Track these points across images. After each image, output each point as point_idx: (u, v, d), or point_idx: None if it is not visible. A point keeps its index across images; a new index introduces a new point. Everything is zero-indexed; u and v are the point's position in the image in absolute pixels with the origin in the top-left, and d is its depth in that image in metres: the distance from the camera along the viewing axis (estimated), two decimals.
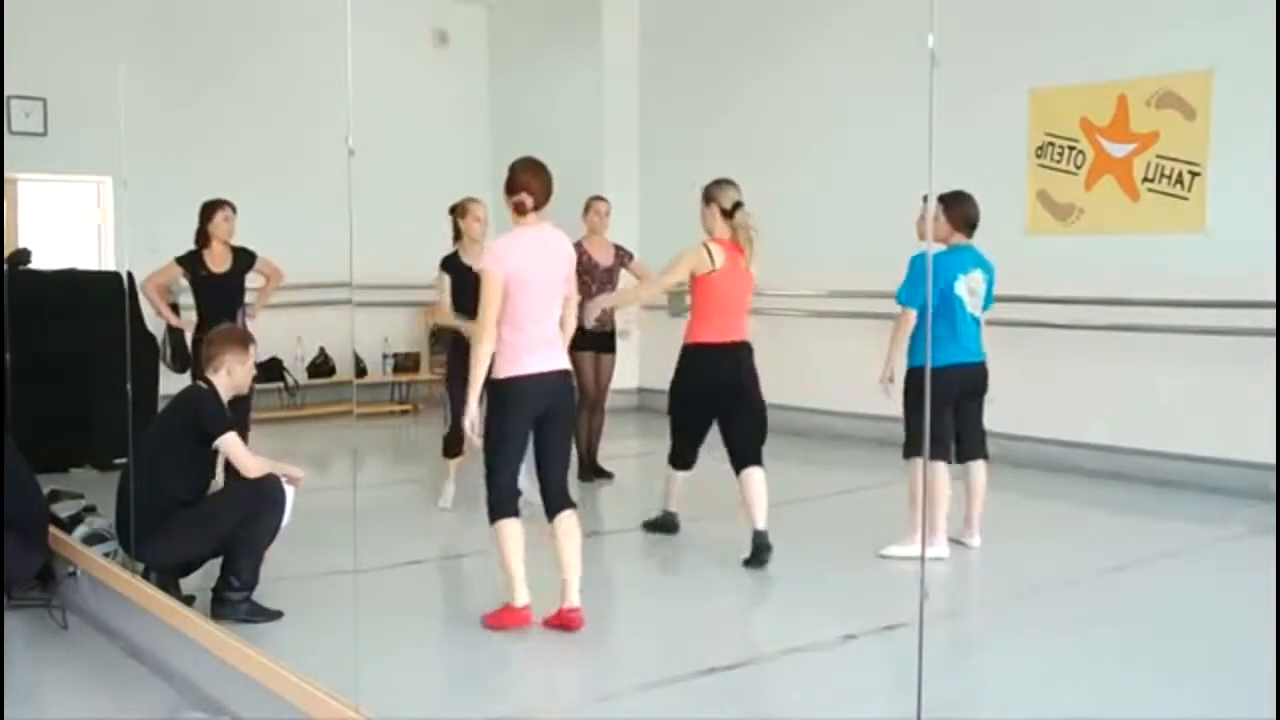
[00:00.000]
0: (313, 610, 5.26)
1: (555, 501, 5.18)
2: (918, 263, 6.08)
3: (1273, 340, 7.34)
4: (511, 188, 5.15)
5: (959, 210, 6.27)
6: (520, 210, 5.12)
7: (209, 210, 7.58)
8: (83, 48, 9.94)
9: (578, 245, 7.98)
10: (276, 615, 5.18)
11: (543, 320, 5.09)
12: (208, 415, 5.26)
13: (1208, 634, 5.17)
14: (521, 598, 5.09)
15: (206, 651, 4.28)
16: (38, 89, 10.38)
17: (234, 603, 5.09)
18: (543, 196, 5.13)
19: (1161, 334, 8.02)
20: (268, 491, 5.18)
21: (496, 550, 5.11)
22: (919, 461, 6.05)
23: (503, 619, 5.10)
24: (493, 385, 5.10)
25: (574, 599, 5.09)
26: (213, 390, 5.35)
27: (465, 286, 6.49)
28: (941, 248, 6.31)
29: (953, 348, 6.19)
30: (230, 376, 5.41)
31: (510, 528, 5.09)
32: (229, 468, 5.41)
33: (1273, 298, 7.38)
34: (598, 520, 7.66)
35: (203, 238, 7.57)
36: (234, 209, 7.62)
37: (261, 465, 5.25)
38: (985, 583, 6.21)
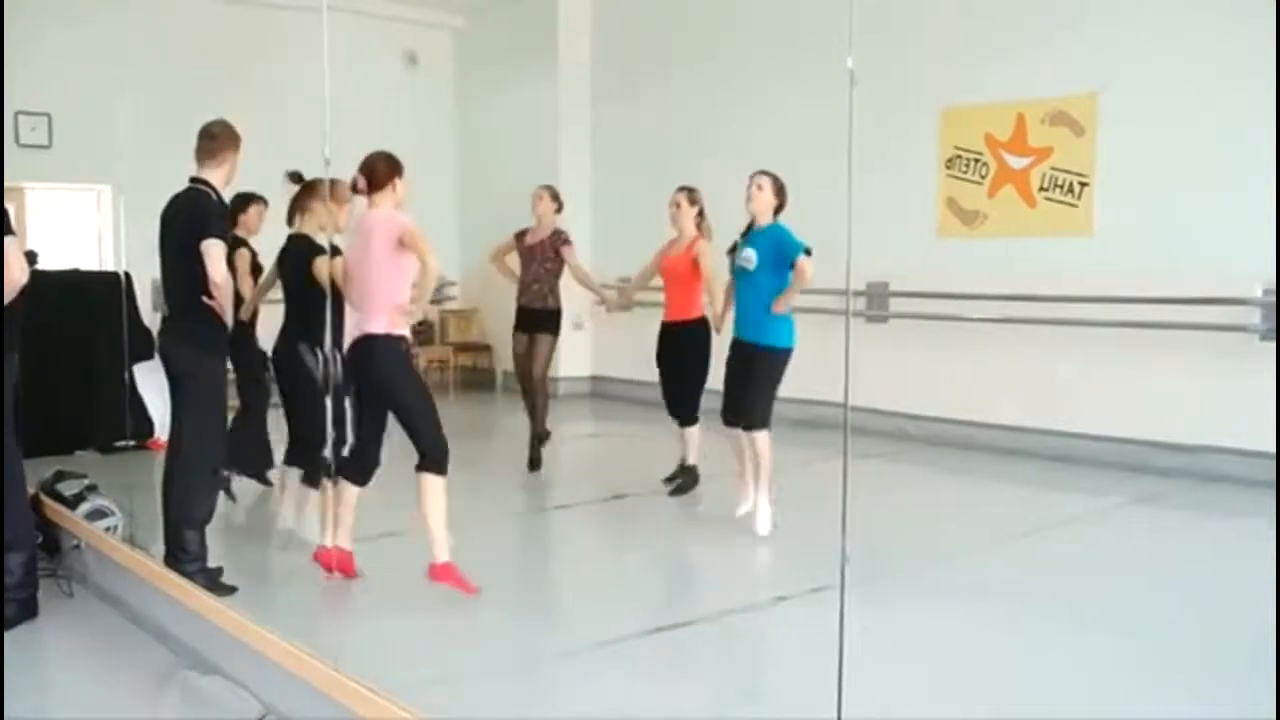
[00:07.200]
0: (292, 579, 5.20)
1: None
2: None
3: (1152, 332, 7.48)
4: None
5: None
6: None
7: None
8: (84, 67, 9.80)
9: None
10: (231, 590, 4.88)
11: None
12: (212, 215, 4.96)
13: (1098, 592, 5.24)
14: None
15: (198, 615, 4.22)
16: (43, 105, 10.21)
17: (189, 574, 4.74)
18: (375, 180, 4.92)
19: (1056, 325, 8.11)
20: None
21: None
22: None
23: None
24: None
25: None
26: (211, 191, 5.03)
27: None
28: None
29: None
30: (225, 169, 5.14)
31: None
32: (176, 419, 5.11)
33: (1151, 294, 7.51)
34: (552, 496, 7.63)
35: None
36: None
37: (226, 281, 4.87)
38: (901, 549, 6.23)
